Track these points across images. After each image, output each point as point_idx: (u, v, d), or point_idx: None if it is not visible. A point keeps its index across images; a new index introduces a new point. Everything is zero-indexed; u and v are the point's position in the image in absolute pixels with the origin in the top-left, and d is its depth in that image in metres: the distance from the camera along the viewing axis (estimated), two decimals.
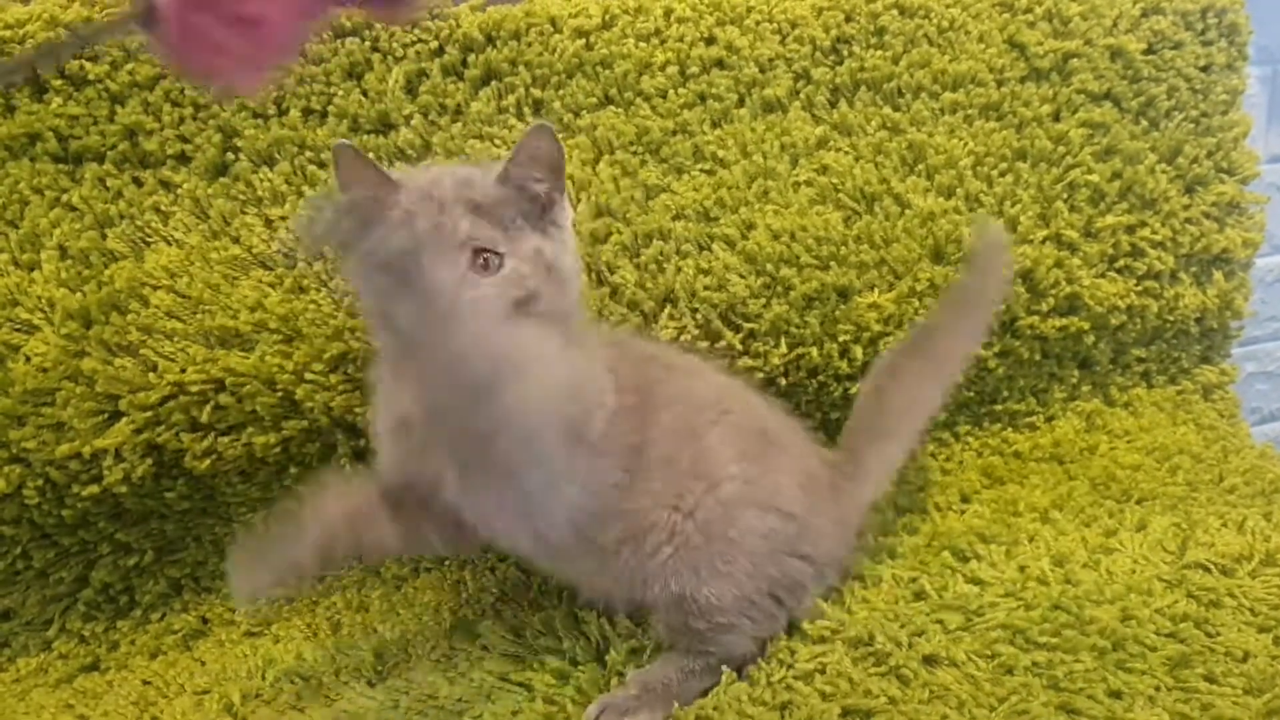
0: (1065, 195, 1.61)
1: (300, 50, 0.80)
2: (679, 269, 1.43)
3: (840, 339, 1.47)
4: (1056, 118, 1.64)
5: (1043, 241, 1.58)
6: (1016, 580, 1.20)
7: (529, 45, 1.48)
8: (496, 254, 0.93)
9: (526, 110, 1.48)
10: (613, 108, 1.50)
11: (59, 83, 1.32)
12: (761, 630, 1.10)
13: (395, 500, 1.06)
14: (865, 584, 1.23)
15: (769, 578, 1.09)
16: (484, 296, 0.90)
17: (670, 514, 1.06)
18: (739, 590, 1.07)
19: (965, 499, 1.48)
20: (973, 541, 1.30)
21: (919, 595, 1.20)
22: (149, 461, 1.25)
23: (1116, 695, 0.99)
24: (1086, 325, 1.61)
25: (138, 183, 1.34)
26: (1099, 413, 1.67)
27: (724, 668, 1.08)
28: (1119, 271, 1.63)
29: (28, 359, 1.23)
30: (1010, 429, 1.63)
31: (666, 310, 1.41)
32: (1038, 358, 1.62)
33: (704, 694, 1.07)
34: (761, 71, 1.56)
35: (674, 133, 1.51)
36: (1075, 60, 1.65)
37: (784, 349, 1.44)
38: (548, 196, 0.98)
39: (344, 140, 0.99)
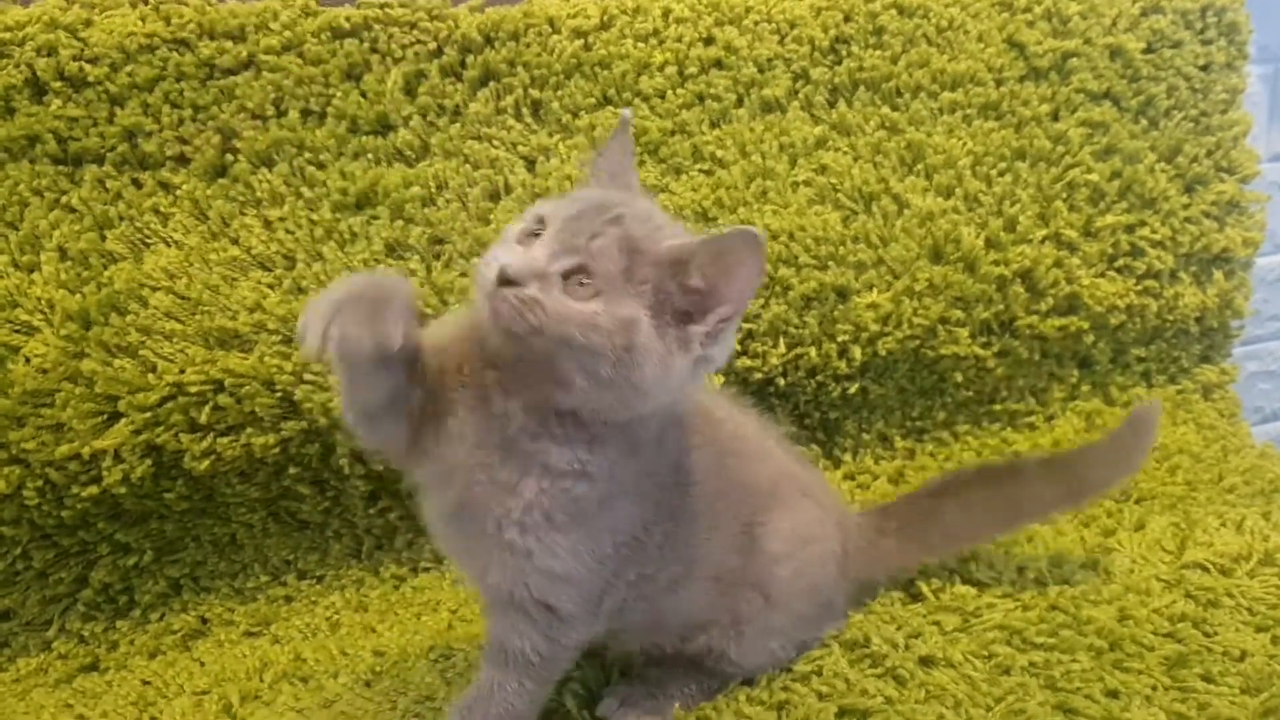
0: (1064, 195, 1.61)
1: None
2: None
3: (839, 339, 1.47)
4: (1056, 117, 1.64)
5: (1042, 241, 1.58)
6: (1014, 581, 1.20)
7: (527, 46, 1.49)
8: (596, 288, 0.81)
9: (525, 111, 1.48)
10: (611, 108, 1.50)
11: (59, 84, 1.32)
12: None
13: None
14: (862, 586, 1.23)
15: (800, 643, 1.10)
16: (545, 305, 0.79)
17: (723, 617, 1.05)
18: (773, 656, 1.08)
19: None
20: None
21: (916, 597, 1.21)
22: (148, 462, 1.25)
23: (1113, 695, 0.99)
24: (1086, 325, 1.61)
25: (137, 184, 1.34)
26: (1099, 412, 1.66)
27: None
28: (1119, 271, 1.63)
29: (27, 360, 1.23)
30: (1010, 429, 1.64)
31: None
32: (1037, 357, 1.62)
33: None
34: (760, 71, 1.56)
35: (672, 133, 1.51)
36: (1074, 59, 1.65)
37: (782, 349, 1.45)
38: (700, 303, 0.83)
39: (628, 111, 0.95)
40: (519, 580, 0.91)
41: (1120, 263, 1.63)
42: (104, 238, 1.31)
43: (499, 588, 0.92)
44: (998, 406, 1.64)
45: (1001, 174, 1.59)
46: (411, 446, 0.92)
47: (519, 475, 0.87)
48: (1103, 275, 1.61)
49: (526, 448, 0.87)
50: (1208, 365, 1.76)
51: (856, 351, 1.48)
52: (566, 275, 0.81)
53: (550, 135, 1.48)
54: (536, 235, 0.83)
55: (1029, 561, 1.24)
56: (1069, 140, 1.62)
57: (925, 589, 1.21)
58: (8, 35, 1.32)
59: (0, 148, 1.30)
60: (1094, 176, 1.62)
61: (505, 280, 0.79)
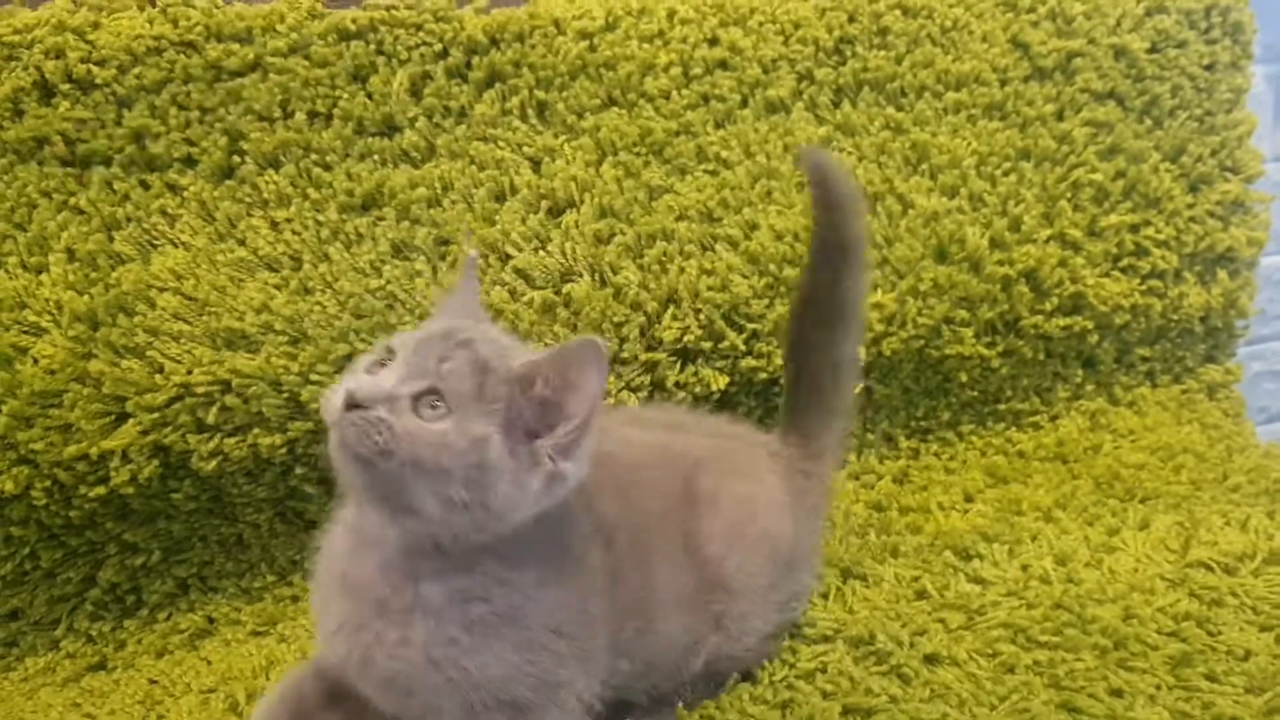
0: (1069, 194, 1.61)
1: None
2: (682, 270, 1.43)
3: None
4: (1060, 117, 1.65)
5: (1047, 241, 1.58)
6: (1019, 579, 1.20)
7: (533, 47, 1.49)
8: (446, 409, 0.80)
9: (530, 112, 1.49)
10: (616, 109, 1.51)
11: (66, 86, 1.33)
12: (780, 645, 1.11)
13: (334, 688, 0.95)
14: (867, 583, 1.24)
15: (781, 605, 1.10)
16: (394, 426, 0.79)
17: (705, 627, 1.04)
18: (760, 633, 1.07)
19: (969, 498, 1.48)
20: (975, 541, 1.30)
21: (921, 595, 1.21)
22: (156, 462, 1.25)
23: (1118, 694, 0.99)
24: (1090, 324, 1.61)
25: (145, 186, 1.35)
26: (1103, 412, 1.67)
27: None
28: (1123, 271, 1.63)
29: (35, 361, 1.24)
30: (1014, 428, 1.64)
31: (670, 311, 1.41)
32: (1042, 357, 1.62)
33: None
34: (765, 72, 1.57)
35: (677, 134, 1.52)
36: (1079, 59, 1.66)
37: (787, 349, 1.44)
38: (545, 422, 0.83)
39: (475, 254, 0.96)
40: (468, 698, 0.87)
41: (1125, 262, 1.63)
42: (112, 239, 1.32)
43: (464, 710, 0.88)
44: (1002, 406, 1.64)
45: (1006, 174, 1.60)
46: None
47: (403, 630, 0.86)
48: (1107, 275, 1.62)
49: (399, 604, 0.85)
50: (1212, 365, 1.76)
51: (861, 351, 1.47)
52: (417, 398, 0.80)
53: (556, 136, 1.48)
54: (384, 364, 0.83)
55: (1033, 560, 1.24)
56: (1073, 140, 1.63)
57: (930, 586, 1.21)
58: (16, 38, 1.33)
59: (9, 150, 1.31)
60: (1098, 176, 1.62)
61: (352, 404, 0.78)
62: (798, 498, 1.13)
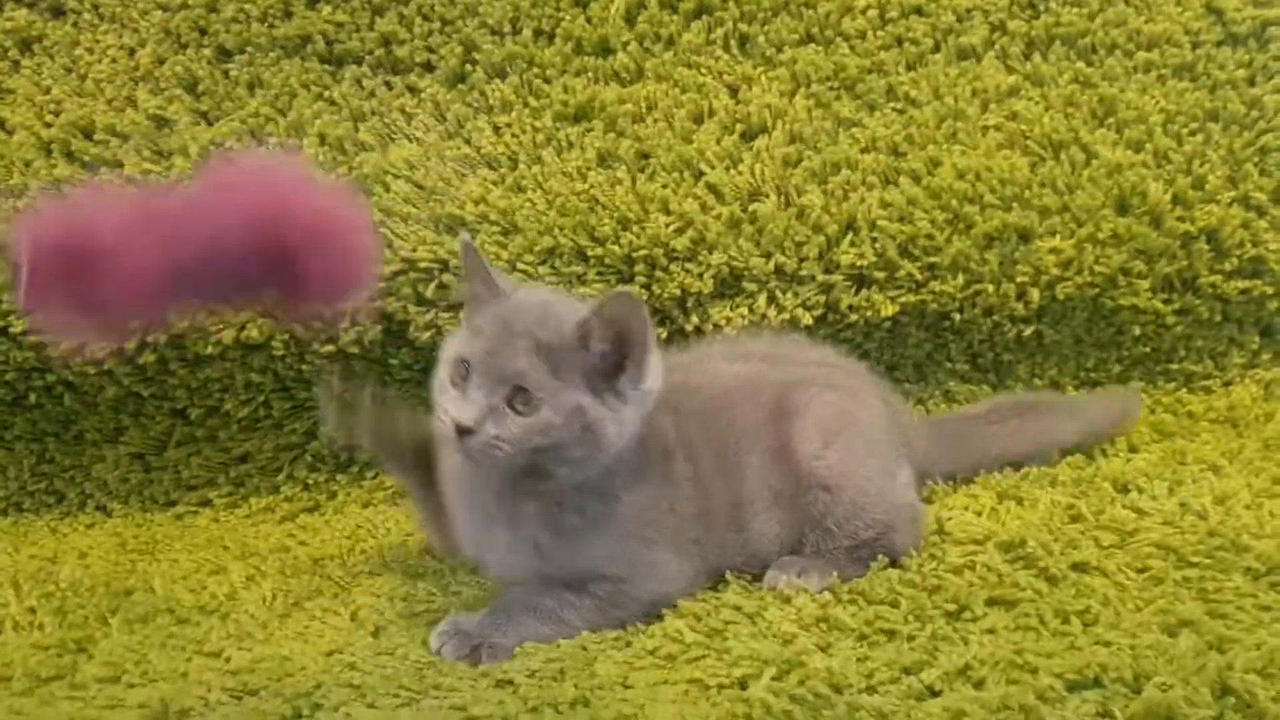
0: (1256, 159, 1.61)
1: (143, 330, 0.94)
2: (863, 199, 1.50)
3: (1018, 280, 1.51)
4: (1251, 82, 1.65)
5: (1230, 203, 1.58)
6: (1175, 513, 1.19)
7: None
8: (536, 397, 0.95)
9: (733, 43, 1.59)
10: (813, 45, 1.60)
11: None
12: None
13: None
14: (1022, 505, 1.26)
15: (888, 494, 1.18)
16: (505, 437, 0.94)
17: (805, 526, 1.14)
18: (882, 520, 1.15)
19: (1134, 449, 1.47)
20: (1135, 477, 1.31)
21: (1075, 518, 1.21)
22: (380, 328, 1.40)
23: (1266, 608, 0.98)
24: (1270, 290, 1.59)
25: (388, 85, 1.52)
26: (1278, 382, 1.64)
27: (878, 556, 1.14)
28: None
29: None
30: (1185, 389, 1.63)
31: (849, 236, 1.48)
32: (1218, 319, 1.61)
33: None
34: (959, 20, 1.63)
35: (869, 71, 1.59)
36: (1274, 28, 1.66)
37: (961, 283, 1.49)
38: (615, 363, 0.98)
39: (468, 236, 1.08)
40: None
41: None
42: (357, 129, 1.49)
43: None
44: (1174, 366, 1.63)
45: (1193, 134, 1.60)
46: None
47: (508, 532, 1.05)
48: None
49: (502, 516, 1.04)
50: None
51: (1035, 294, 1.51)
52: (509, 400, 0.95)
53: (754, 67, 1.59)
54: (465, 377, 0.97)
55: (1192, 498, 1.23)
56: (1264, 106, 1.62)
57: (1085, 511, 1.21)
58: None
59: (277, 44, 1.50)
60: None
61: (464, 431, 0.94)
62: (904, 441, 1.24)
